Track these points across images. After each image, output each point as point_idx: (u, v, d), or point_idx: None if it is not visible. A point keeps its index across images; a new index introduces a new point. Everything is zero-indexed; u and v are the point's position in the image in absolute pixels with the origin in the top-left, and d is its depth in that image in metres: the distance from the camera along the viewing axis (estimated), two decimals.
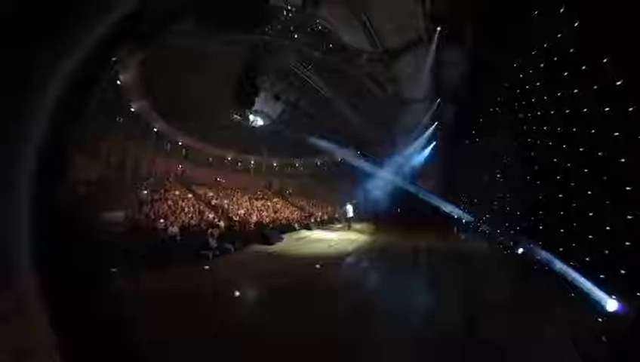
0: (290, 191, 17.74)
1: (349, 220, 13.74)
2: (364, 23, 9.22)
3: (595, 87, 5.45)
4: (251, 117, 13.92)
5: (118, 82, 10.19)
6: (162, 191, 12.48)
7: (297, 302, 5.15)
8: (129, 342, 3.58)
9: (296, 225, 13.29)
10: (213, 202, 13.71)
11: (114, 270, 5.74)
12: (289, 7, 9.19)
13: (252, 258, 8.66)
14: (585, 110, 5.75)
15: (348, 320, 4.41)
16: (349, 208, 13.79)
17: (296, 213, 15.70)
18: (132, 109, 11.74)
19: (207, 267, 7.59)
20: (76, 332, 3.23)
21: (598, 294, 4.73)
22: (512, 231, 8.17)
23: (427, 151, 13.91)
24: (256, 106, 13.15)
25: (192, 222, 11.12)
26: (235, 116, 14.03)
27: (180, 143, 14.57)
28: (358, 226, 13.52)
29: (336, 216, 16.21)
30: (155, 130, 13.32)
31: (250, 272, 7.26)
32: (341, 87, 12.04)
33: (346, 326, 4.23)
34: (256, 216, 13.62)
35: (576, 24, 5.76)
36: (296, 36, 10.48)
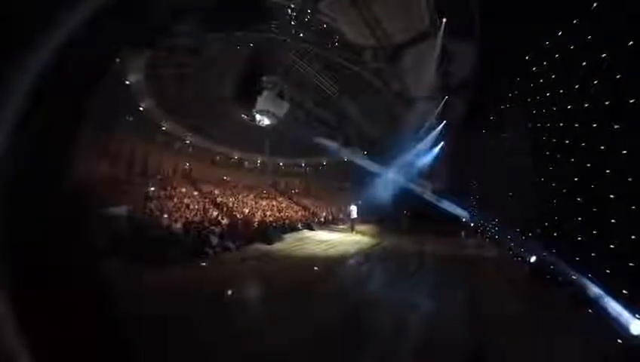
0: (296, 190, 17.62)
1: (352, 222, 13.18)
2: (368, 18, 8.90)
3: (617, 79, 4.84)
4: (257, 116, 13.91)
5: (127, 82, 10.49)
6: (169, 188, 12.73)
7: (287, 305, 4.95)
8: (125, 339, 3.54)
9: (299, 225, 13.10)
10: (218, 200, 13.81)
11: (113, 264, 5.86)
12: (291, 5, 9.05)
13: (250, 257, 8.55)
14: (606, 105, 5.14)
15: (339, 329, 4.14)
16: (353, 209, 13.22)
17: (300, 212, 15.52)
18: (141, 108, 12.07)
19: (204, 264, 7.56)
20: (73, 329, 3.20)
21: (620, 312, 4.12)
22: (523, 237, 7.52)
23: (434, 151, 13.27)
24: (262, 106, 13.16)
25: (196, 219, 11.22)
26: (242, 115, 14.10)
27: (187, 142, 14.85)
28: (361, 228, 13.11)
29: (340, 216, 15.86)
30: (164, 128, 13.65)
31: (244, 273, 7.14)
32: (345, 85, 11.78)
33: (337, 336, 3.96)
34: (260, 215, 13.57)
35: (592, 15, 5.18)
36: (299, 34, 10.31)
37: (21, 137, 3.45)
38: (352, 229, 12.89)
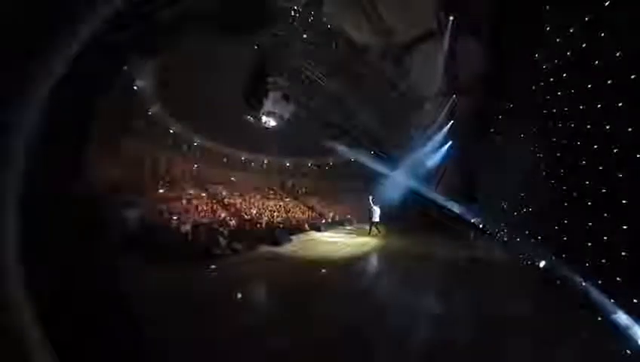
0: (303, 190, 17.72)
1: (376, 224, 12.39)
2: (373, 17, 8.81)
3: (632, 78, 4.67)
4: (264, 118, 13.98)
5: (135, 87, 10.73)
6: (177, 189, 13.02)
7: (291, 308, 5.04)
8: (135, 339, 3.68)
9: (306, 226, 13.19)
10: (226, 201, 14.05)
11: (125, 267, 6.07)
12: (295, 7, 9.05)
13: (258, 259, 8.68)
14: (621, 105, 4.97)
15: (345, 333, 4.18)
16: (376, 210, 12.46)
17: (307, 213, 15.64)
18: (150, 113, 12.34)
19: (213, 266, 7.72)
20: (81, 329, 3.37)
21: (630, 322, 4.03)
22: (533, 241, 7.38)
23: (442, 151, 13.05)
24: (268, 107, 13.22)
25: (204, 220, 11.46)
26: (248, 117, 14.21)
27: (196, 144, 15.09)
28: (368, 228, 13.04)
29: (348, 217, 15.89)
30: (172, 131, 13.91)
31: (254, 275, 7.26)
32: (351, 86, 11.69)
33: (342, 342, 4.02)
34: (268, 215, 13.75)
35: (607, 3, 4.99)
36: (304, 35, 10.29)
37: (40, 141, 3.62)
38: (378, 232, 12.22)
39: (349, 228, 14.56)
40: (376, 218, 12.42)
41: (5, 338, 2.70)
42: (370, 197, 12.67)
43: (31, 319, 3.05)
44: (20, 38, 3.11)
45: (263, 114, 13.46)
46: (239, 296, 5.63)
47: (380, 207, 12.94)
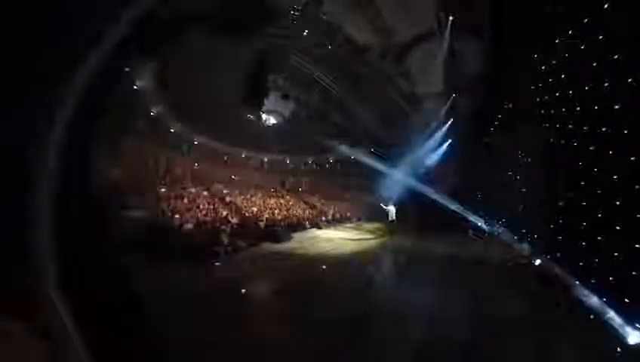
0: (304, 189, 17.82)
1: (391, 223, 12.21)
2: (373, 17, 8.79)
3: (631, 80, 4.71)
4: (264, 116, 14.02)
5: (135, 87, 10.76)
6: (180, 188, 13.11)
7: (292, 305, 5.16)
8: (143, 338, 3.81)
9: (307, 224, 13.32)
10: (228, 199, 14.15)
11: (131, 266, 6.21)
12: (295, 6, 9.04)
13: (260, 256, 8.80)
14: (618, 107, 5.02)
15: (345, 329, 4.31)
16: (391, 209, 12.25)
17: (307, 210, 15.75)
18: (151, 113, 12.38)
19: (217, 264, 7.87)
20: (95, 329, 3.51)
21: (620, 322, 4.15)
22: (529, 239, 7.50)
23: (441, 150, 13.06)
24: (269, 106, 13.27)
25: (207, 219, 11.58)
26: (249, 116, 14.24)
27: (196, 143, 15.14)
28: (368, 226, 13.18)
29: (348, 214, 16.01)
30: (173, 130, 13.94)
31: (254, 272, 7.40)
32: (351, 85, 11.70)
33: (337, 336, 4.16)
34: (269, 213, 13.88)
35: (605, 5, 5.01)
36: (305, 35, 10.28)
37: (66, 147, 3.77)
38: (390, 233, 12.11)
39: (349, 225, 14.69)
40: (393, 217, 12.37)
41: (41, 336, 2.85)
42: (386, 196, 12.66)
43: (67, 318, 3.20)
44: (48, 57, 3.27)
45: (263, 112, 13.52)
46: (242, 292, 5.75)
47: (379, 205, 13.03)
